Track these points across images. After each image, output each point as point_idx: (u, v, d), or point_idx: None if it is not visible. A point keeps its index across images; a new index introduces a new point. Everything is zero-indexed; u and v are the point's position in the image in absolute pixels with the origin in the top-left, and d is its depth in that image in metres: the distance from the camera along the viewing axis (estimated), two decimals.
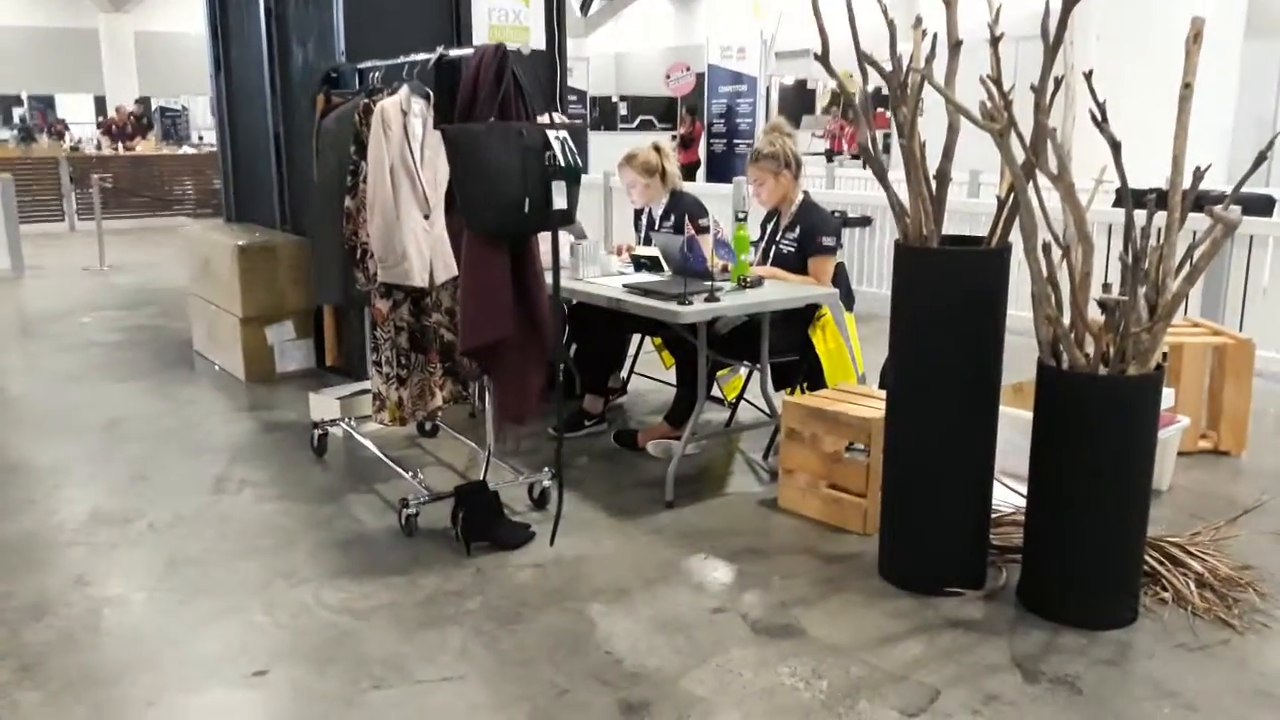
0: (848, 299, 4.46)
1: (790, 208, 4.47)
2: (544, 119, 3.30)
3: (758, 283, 4.09)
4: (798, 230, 4.42)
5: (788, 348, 4.28)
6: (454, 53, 3.62)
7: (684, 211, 4.91)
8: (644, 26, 32.44)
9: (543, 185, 3.13)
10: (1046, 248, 3.03)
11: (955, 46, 3.26)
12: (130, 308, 8.11)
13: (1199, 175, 3.04)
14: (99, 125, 21.20)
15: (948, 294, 3.08)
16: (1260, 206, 6.30)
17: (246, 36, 6.27)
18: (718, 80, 12.16)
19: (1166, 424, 4.03)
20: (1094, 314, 3.05)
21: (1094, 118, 2.90)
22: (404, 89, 3.68)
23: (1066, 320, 3.03)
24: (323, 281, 4.16)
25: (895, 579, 3.26)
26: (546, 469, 3.92)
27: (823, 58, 3.31)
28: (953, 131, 3.23)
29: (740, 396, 4.84)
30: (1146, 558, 3.19)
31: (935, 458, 3.17)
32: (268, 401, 5.42)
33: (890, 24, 3.17)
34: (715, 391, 4.80)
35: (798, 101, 21.16)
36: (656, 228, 5.02)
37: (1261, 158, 3.03)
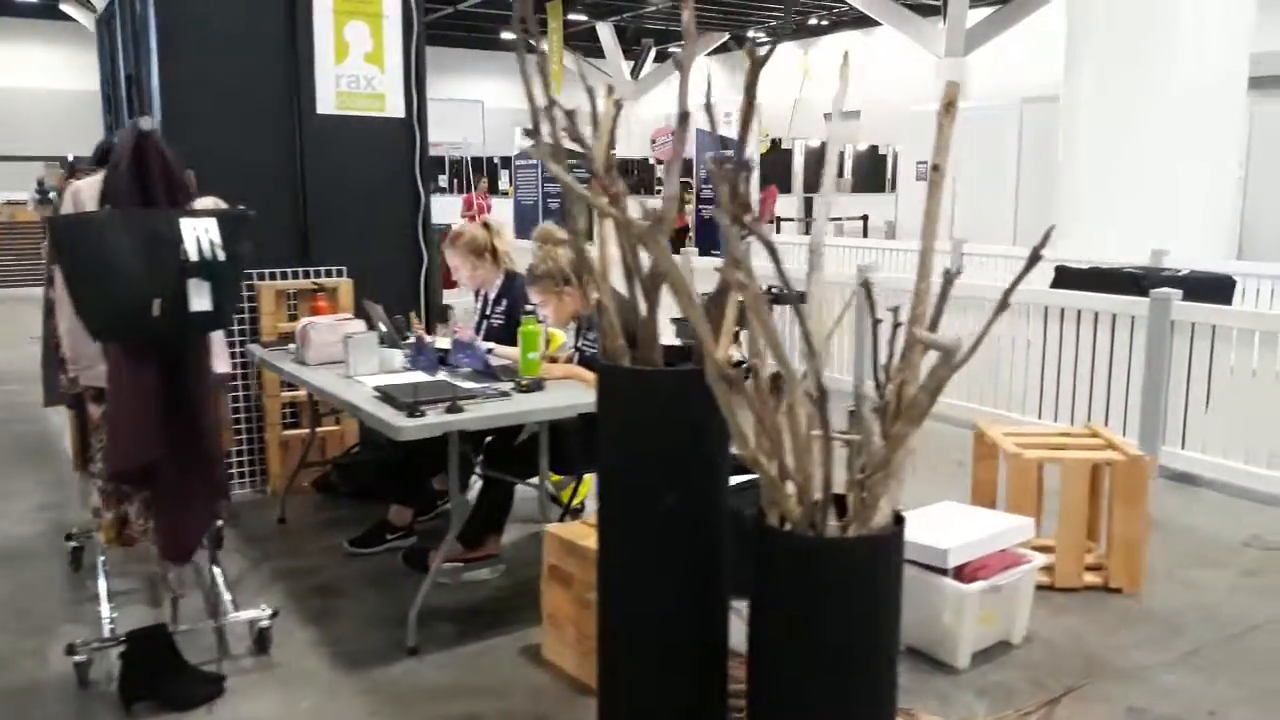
0: None
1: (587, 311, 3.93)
2: (206, 202, 2.82)
3: (536, 386, 3.53)
4: (592, 333, 3.86)
5: (591, 461, 3.69)
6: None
7: (516, 297, 4.37)
8: (699, 88, 32.15)
9: (178, 284, 2.63)
10: (748, 372, 2.42)
11: (683, 118, 2.69)
12: None
13: (949, 278, 2.42)
14: None
15: (648, 421, 2.49)
16: (1214, 289, 5.54)
17: (117, 103, 5.98)
18: (704, 145, 11.66)
19: (1012, 565, 3.35)
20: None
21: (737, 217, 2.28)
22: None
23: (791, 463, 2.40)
24: (45, 381, 3.71)
25: None
26: (264, 606, 3.37)
27: (533, 131, 2.77)
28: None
29: (582, 503, 4.28)
30: None
31: (643, 625, 2.55)
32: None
33: (599, 92, 2.63)
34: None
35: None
36: (488, 313, 4.50)
37: (1045, 238, 2.39)
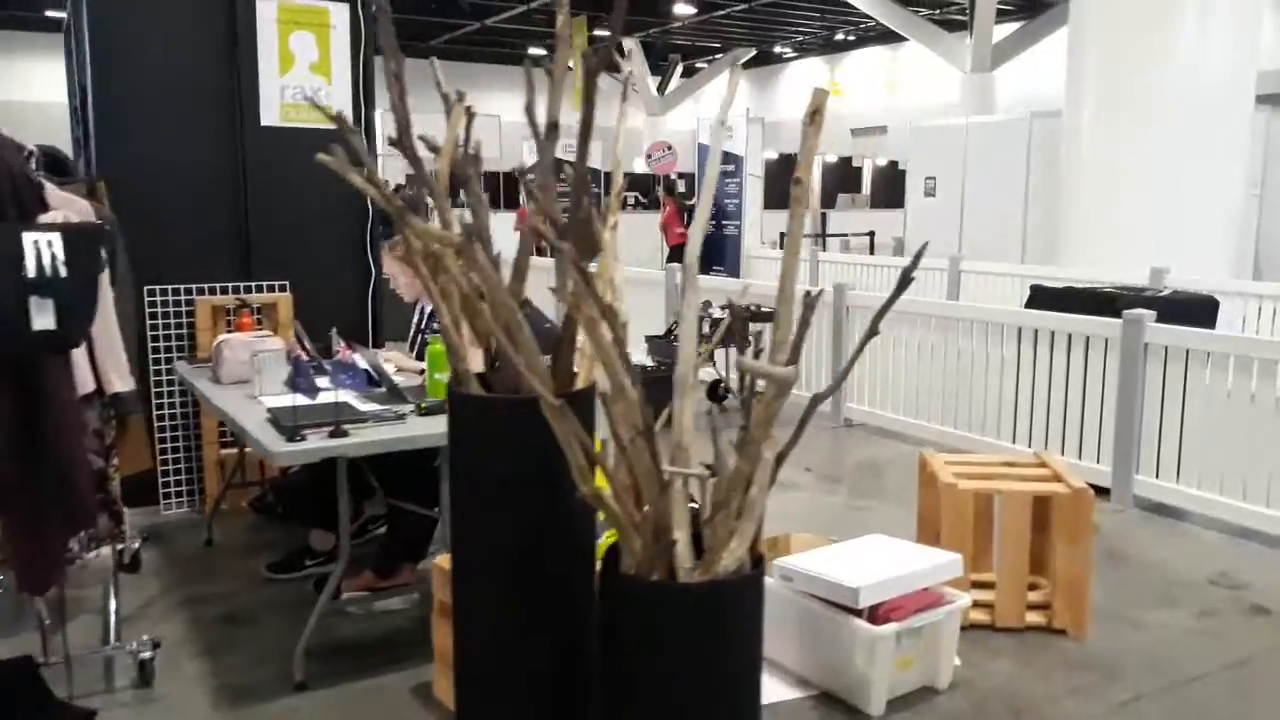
0: None
1: None
2: (55, 216, 2.69)
3: (438, 409, 3.37)
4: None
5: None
6: None
7: None
8: (722, 102, 32.10)
9: (15, 301, 2.50)
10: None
11: (551, 128, 2.53)
12: None
13: (810, 303, 2.23)
14: None
15: (498, 454, 2.32)
16: (1198, 311, 5.28)
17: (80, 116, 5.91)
18: (706, 159, 11.51)
19: (932, 605, 3.14)
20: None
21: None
22: None
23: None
24: None
25: None
26: (146, 637, 3.23)
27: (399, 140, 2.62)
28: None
29: None
30: None
31: (492, 658, 2.38)
32: None
33: (453, 98, 2.48)
34: None
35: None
36: (424, 328, 4.35)
37: (918, 258, 2.20)
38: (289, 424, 3.05)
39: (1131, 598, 3.90)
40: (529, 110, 2.33)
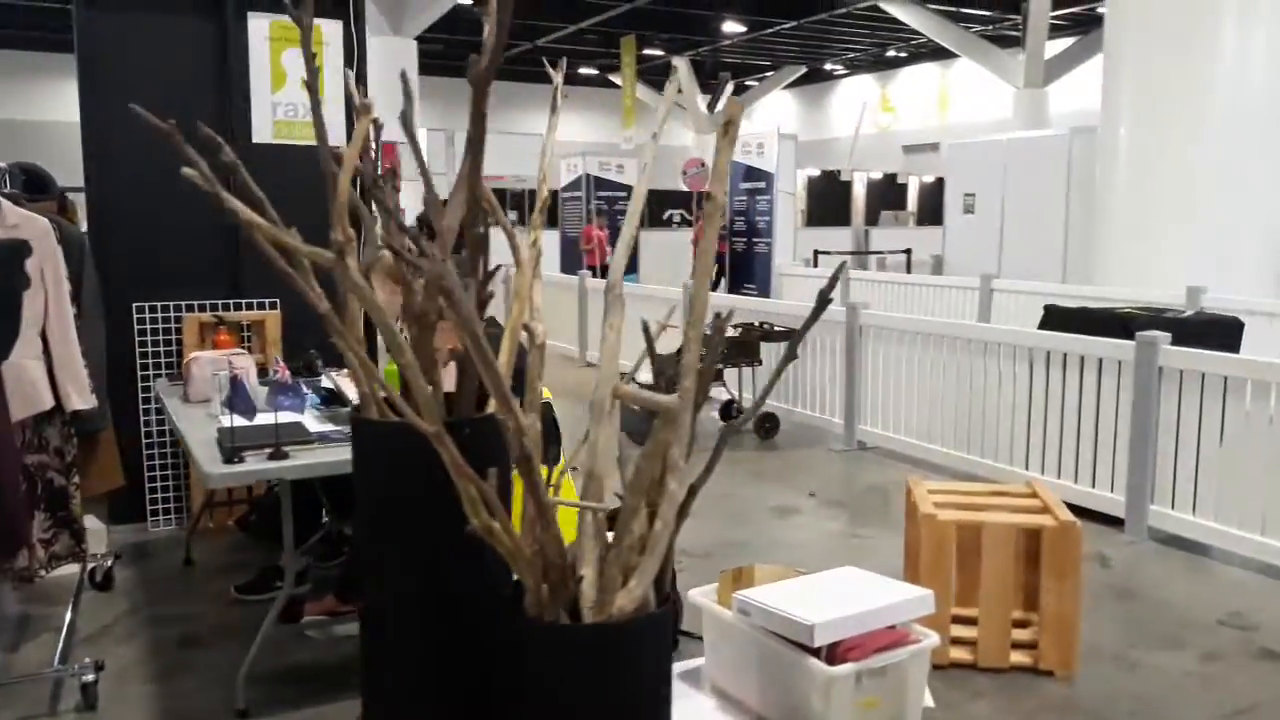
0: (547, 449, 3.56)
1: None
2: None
3: None
4: None
5: None
6: None
7: None
8: (776, 121, 32.14)
9: None
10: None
11: (472, 144, 2.43)
12: None
13: (722, 323, 2.10)
14: None
15: (397, 482, 2.21)
16: (1220, 333, 5.01)
17: None
18: (737, 177, 11.37)
19: (897, 644, 2.96)
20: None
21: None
22: None
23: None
24: None
25: None
26: (88, 659, 3.17)
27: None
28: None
29: None
30: None
31: (401, 681, 2.26)
32: None
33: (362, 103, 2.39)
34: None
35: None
36: None
37: (834, 280, 2.06)
38: (227, 445, 2.97)
39: (1133, 637, 3.67)
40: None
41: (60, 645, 3.34)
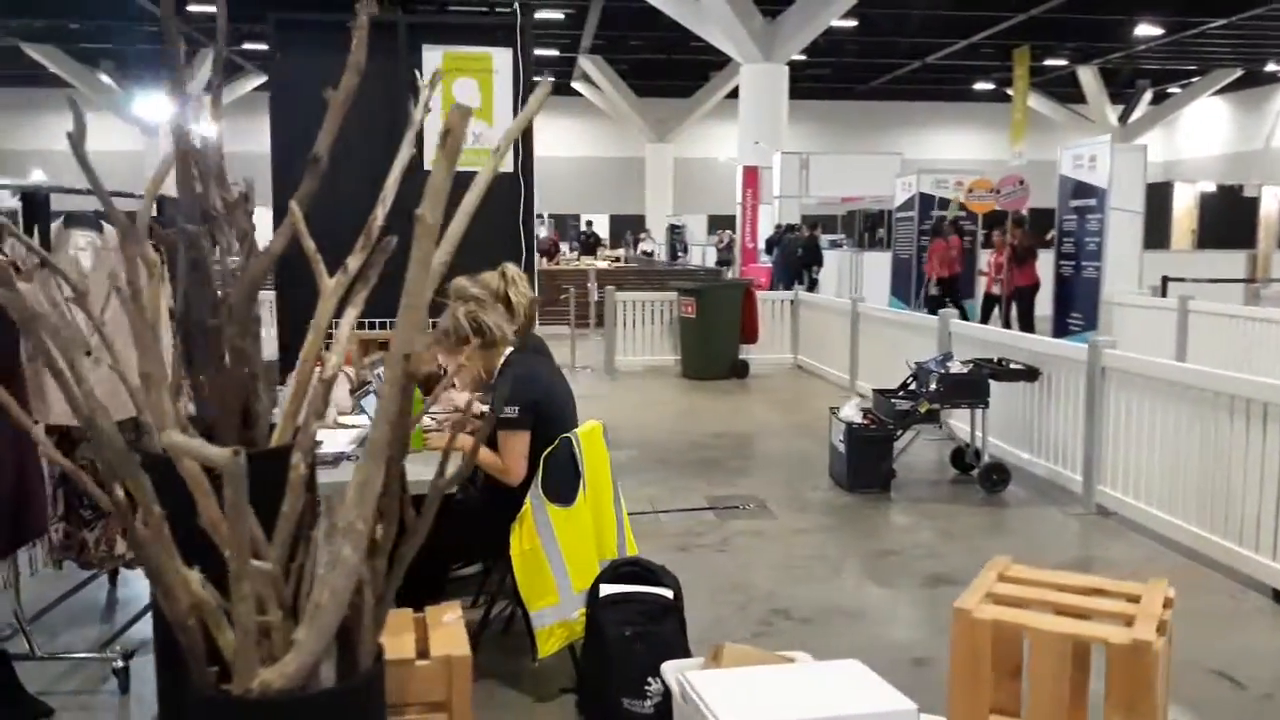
0: (559, 487, 3.34)
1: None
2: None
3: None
4: (492, 398, 3.48)
5: (470, 549, 3.36)
6: None
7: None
8: (1202, 130, 28.65)
9: None
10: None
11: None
12: None
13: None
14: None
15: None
16: None
17: None
18: (1065, 194, 10.13)
19: None
20: None
21: None
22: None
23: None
24: None
25: None
26: (119, 646, 3.43)
27: None
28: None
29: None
30: None
31: None
32: None
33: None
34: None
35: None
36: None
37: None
38: None
39: None
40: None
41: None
